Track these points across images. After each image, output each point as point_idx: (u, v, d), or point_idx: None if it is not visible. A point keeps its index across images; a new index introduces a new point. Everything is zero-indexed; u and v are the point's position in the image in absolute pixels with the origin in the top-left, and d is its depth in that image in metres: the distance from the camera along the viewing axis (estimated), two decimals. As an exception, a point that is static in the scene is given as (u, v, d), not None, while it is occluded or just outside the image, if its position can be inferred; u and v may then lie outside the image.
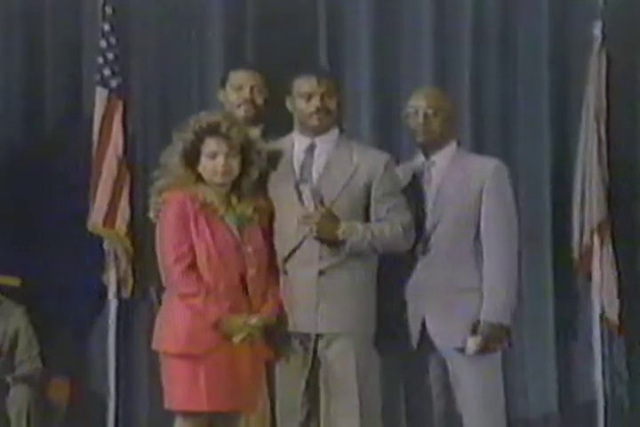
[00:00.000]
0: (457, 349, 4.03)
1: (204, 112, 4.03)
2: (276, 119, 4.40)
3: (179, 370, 3.86)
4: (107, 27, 5.18)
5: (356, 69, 5.35)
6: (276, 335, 3.95)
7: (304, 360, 3.97)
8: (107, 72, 5.15)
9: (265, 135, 4.31)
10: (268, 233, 4.00)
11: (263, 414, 4.12)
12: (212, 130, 3.93)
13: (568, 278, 5.25)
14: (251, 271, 3.90)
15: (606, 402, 5.15)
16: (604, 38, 5.15)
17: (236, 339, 3.85)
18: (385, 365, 4.15)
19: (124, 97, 5.18)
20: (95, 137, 5.14)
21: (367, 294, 4.02)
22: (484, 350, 4.01)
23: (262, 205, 3.99)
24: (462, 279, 4.06)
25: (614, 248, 5.11)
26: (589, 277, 5.15)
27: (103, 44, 5.16)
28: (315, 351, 3.96)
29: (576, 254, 5.16)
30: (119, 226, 5.11)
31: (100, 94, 5.16)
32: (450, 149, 4.18)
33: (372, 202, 4.02)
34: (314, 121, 4.03)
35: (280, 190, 4.01)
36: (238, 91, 4.61)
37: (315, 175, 4.02)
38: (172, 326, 3.89)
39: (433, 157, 4.16)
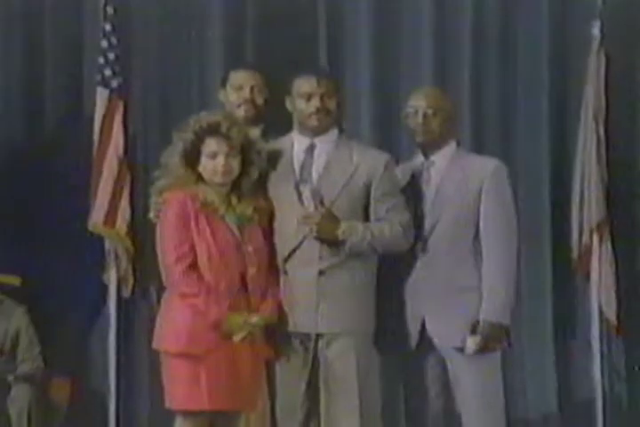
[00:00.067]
0: (456, 348, 4.03)
1: (204, 112, 4.04)
2: (275, 119, 4.41)
3: (179, 369, 3.87)
4: (108, 27, 5.17)
5: (355, 69, 5.36)
6: (277, 335, 3.96)
7: (304, 360, 3.98)
8: (107, 72, 5.15)
9: (265, 135, 4.31)
10: (269, 233, 4.00)
11: (263, 414, 4.12)
12: (213, 130, 3.94)
13: (567, 278, 5.26)
14: (251, 271, 3.91)
15: (605, 400, 5.15)
16: (602, 38, 5.16)
17: (237, 338, 3.85)
18: (384, 364, 4.15)
19: (124, 97, 5.18)
20: (96, 137, 5.14)
21: (367, 293, 4.03)
22: (483, 349, 4.01)
23: (262, 205, 4.00)
24: (461, 279, 4.06)
25: (613, 248, 5.12)
26: (588, 276, 5.16)
27: (104, 44, 5.16)
28: (315, 351, 3.97)
29: (575, 254, 5.17)
30: (120, 225, 5.11)
31: (101, 94, 5.16)
32: (449, 148, 4.18)
33: (372, 202, 4.03)
34: (313, 121, 4.04)
35: (280, 190, 4.02)
36: (238, 91, 4.62)
37: (315, 175, 4.02)
38: (173, 325, 3.89)
39: (432, 157, 4.17)
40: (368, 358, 4.01)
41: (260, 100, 4.62)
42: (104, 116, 5.15)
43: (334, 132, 4.10)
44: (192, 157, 3.94)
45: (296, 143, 4.09)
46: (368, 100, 5.34)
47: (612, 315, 5.10)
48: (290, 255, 3.97)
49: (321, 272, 3.96)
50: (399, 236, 4.00)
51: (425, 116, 4.12)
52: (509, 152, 5.25)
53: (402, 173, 4.16)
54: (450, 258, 4.07)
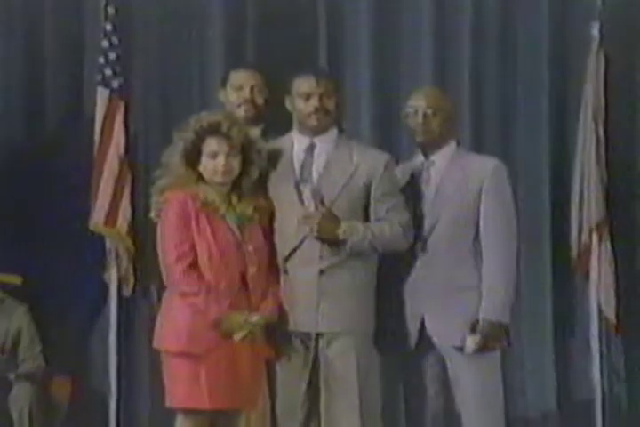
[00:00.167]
0: (456, 347, 4.04)
1: (204, 112, 4.05)
2: (276, 119, 4.41)
3: (180, 369, 3.87)
4: (109, 27, 5.17)
5: (356, 69, 5.36)
6: (277, 334, 3.96)
7: (304, 359, 3.99)
8: (108, 72, 5.15)
9: (265, 135, 4.31)
10: (269, 232, 4.01)
11: (264, 413, 4.11)
12: (213, 129, 3.95)
13: (566, 277, 5.26)
14: (251, 270, 3.92)
15: (604, 400, 5.16)
16: (602, 38, 5.16)
17: (237, 337, 3.86)
18: (384, 364, 4.15)
19: (125, 97, 5.18)
20: (96, 137, 5.14)
21: (367, 293, 4.04)
22: (482, 348, 4.02)
23: (262, 205, 4.00)
24: (461, 278, 4.07)
25: (612, 247, 5.13)
26: (587, 275, 5.16)
27: (105, 44, 5.16)
28: (315, 351, 3.97)
29: (574, 253, 5.17)
30: (120, 225, 5.12)
31: (102, 94, 5.16)
32: (449, 148, 4.19)
33: (372, 202, 4.03)
34: (312, 121, 4.05)
35: (280, 190, 4.03)
36: (238, 90, 4.62)
37: (315, 175, 4.03)
38: (173, 324, 3.90)
39: (432, 157, 4.17)
40: (368, 357, 4.02)
41: (260, 100, 4.62)
42: (105, 116, 5.15)
43: (334, 132, 4.10)
44: (193, 157, 3.95)
45: (296, 143, 4.10)
46: (368, 100, 5.34)
47: (611, 314, 5.11)
48: (290, 255, 3.98)
49: (321, 272, 3.96)
50: (399, 235, 4.01)
51: (425, 116, 4.13)
52: (509, 152, 5.25)
53: (402, 173, 4.17)
54: (449, 258, 4.07)
